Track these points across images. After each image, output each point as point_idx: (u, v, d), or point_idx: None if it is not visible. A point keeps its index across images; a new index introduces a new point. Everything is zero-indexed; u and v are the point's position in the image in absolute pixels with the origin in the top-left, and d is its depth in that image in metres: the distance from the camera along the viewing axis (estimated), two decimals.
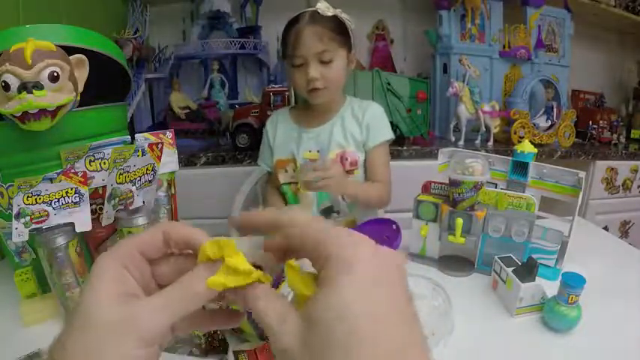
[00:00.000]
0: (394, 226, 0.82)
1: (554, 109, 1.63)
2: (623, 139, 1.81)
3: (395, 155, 1.40)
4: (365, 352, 0.16)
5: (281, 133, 1.08)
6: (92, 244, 0.69)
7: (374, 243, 0.20)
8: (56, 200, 0.57)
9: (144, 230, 0.62)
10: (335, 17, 0.94)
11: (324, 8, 0.92)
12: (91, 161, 0.63)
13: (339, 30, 0.94)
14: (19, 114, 0.55)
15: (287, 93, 1.44)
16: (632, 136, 1.88)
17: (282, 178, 1.06)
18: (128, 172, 0.63)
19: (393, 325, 0.17)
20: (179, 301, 0.22)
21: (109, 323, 0.21)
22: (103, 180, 0.63)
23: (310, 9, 0.93)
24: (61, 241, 0.58)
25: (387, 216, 1.02)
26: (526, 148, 0.78)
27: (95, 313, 0.21)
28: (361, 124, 1.02)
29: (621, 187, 1.70)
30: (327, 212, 0.94)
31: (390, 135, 1.04)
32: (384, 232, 0.81)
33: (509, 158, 0.80)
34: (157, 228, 0.25)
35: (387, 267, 0.19)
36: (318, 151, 1.02)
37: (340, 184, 0.90)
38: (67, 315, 0.59)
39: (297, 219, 0.23)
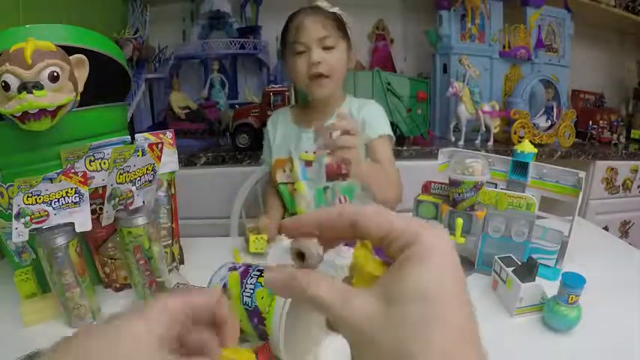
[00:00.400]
0: None
1: (554, 109, 1.63)
2: (623, 139, 1.81)
3: (395, 155, 1.38)
4: (437, 331, 0.19)
5: (281, 132, 1.08)
6: (92, 244, 0.69)
7: (445, 230, 0.23)
8: (56, 200, 0.57)
9: (145, 231, 0.62)
10: (335, 14, 0.95)
11: (325, 5, 0.94)
12: (91, 161, 0.63)
13: (339, 24, 0.95)
14: (19, 114, 0.55)
15: (287, 93, 1.44)
16: (632, 136, 1.88)
17: (280, 177, 1.06)
18: (128, 172, 0.63)
19: (458, 306, 0.20)
20: None
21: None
22: (103, 180, 0.63)
23: (311, 5, 0.96)
24: (61, 241, 0.58)
25: None
26: (526, 148, 0.78)
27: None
28: (357, 121, 1.02)
29: (621, 187, 1.70)
30: None
31: (389, 131, 1.03)
32: None
33: (509, 158, 0.80)
34: (213, 294, 0.27)
35: (454, 254, 0.22)
36: (314, 152, 1.01)
37: (357, 157, 0.77)
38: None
39: (364, 210, 0.24)
